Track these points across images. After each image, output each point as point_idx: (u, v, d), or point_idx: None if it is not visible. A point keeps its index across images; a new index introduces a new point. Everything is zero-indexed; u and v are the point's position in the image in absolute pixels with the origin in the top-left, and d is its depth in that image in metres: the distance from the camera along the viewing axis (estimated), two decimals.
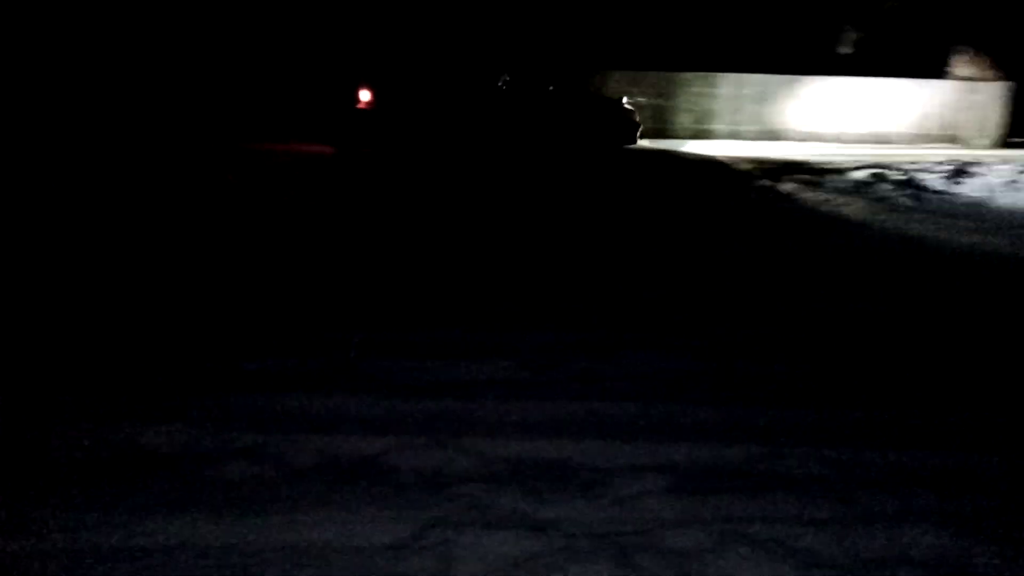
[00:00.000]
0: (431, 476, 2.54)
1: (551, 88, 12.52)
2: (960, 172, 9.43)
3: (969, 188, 8.80)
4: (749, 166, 11.38)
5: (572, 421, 2.94)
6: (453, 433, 2.84)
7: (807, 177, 9.92)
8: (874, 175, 9.56)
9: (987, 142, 15.07)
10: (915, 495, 2.49)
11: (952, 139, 15.36)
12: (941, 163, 10.38)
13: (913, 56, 15.48)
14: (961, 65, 15.63)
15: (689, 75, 15.20)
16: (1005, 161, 10.96)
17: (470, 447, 2.74)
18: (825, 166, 11.02)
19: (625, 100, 12.72)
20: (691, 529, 2.29)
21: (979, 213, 7.74)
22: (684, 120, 15.28)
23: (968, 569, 2.14)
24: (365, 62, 12.24)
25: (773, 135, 15.29)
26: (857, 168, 10.26)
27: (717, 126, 15.31)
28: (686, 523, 2.31)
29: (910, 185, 9.01)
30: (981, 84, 15.36)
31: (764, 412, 3.05)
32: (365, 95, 11.81)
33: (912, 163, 10.68)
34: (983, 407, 3.19)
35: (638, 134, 12.59)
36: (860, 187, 9.09)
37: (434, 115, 11.95)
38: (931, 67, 15.54)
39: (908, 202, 8.27)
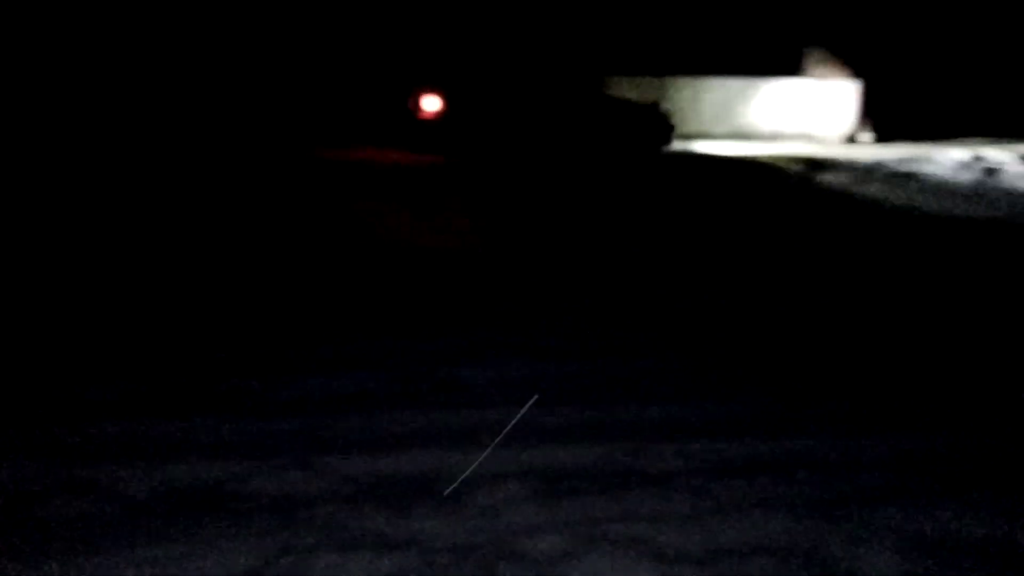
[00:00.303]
0: (284, 500, 2.41)
1: (592, 92, 12.87)
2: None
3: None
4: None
5: (435, 432, 2.87)
6: (311, 452, 2.71)
7: None
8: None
9: (837, 139, 16.06)
10: (771, 484, 2.56)
11: (807, 137, 16.27)
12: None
13: (769, 55, 16.33)
14: (814, 64, 16.57)
15: (680, 79, 15.49)
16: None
17: (328, 466, 2.62)
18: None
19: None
20: (552, 534, 2.26)
21: None
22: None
23: (820, 554, 2.21)
24: (428, 67, 11.92)
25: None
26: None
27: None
28: (548, 528, 2.28)
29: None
30: (834, 82, 16.33)
31: (627, 409, 3.08)
32: (435, 102, 11.36)
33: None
34: (855, 393, 3.35)
35: (673, 136, 12.81)
36: None
37: (501, 121, 11.68)
38: (787, 66, 16.42)
39: None
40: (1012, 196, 9.04)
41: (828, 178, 10.13)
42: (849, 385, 3.45)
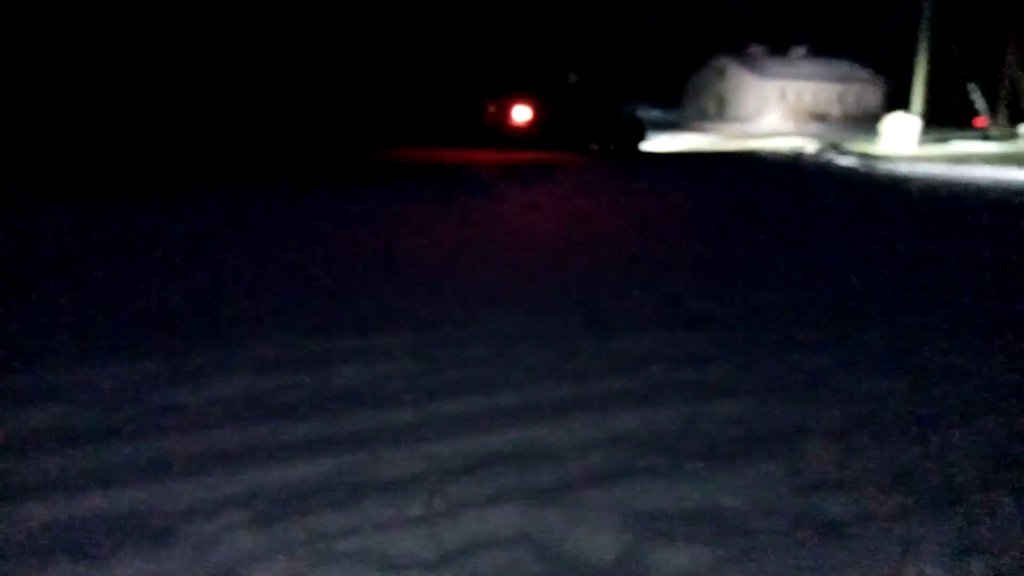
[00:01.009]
0: None
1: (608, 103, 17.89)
2: None
3: None
4: None
5: (143, 464, 2.59)
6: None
7: None
8: None
9: None
10: (501, 476, 2.60)
11: None
12: None
13: None
14: None
15: None
16: None
17: (11, 514, 2.27)
18: None
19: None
20: (278, 559, 2.11)
21: None
22: None
23: (550, 542, 2.26)
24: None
25: None
26: None
27: None
28: (272, 553, 2.13)
29: None
30: None
31: (358, 418, 2.99)
32: (525, 112, 16.59)
33: None
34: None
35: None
36: None
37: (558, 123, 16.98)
38: None
39: None
40: None
41: None
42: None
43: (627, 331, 4.16)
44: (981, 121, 31.38)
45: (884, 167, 16.24)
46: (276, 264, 5.56)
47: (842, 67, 44.42)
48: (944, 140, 24.03)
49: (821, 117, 39.98)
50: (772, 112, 39.24)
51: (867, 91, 43.50)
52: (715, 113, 42.75)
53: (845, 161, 17.62)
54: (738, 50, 44.65)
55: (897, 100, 39.27)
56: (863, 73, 44.26)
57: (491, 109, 16.61)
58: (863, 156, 17.95)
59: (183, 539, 2.17)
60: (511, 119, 16.46)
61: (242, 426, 2.87)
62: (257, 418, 2.96)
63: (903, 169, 15.81)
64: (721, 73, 44.10)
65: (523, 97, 16.50)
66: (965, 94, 30.83)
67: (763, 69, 42.40)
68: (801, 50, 45.50)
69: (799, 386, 3.44)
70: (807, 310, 4.69)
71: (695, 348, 3.92)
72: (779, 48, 45.82)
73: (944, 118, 30.10)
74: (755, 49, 44.99)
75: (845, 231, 7.89)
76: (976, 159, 17.83)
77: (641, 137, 17.80)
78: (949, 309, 4.78)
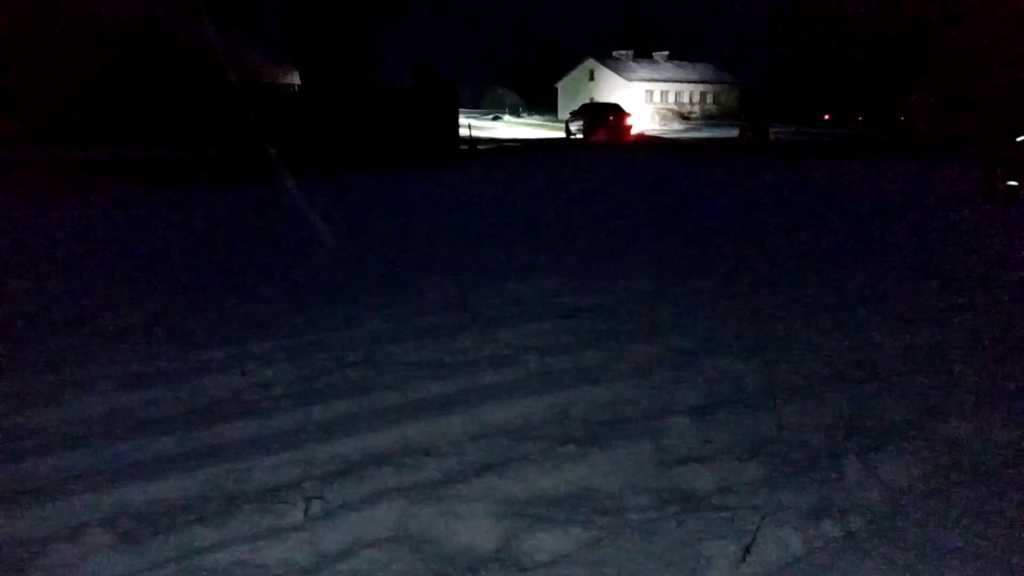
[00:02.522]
0: None
1: None
2: None
3: None
4: None
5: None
6: None
7: None
8: None
9: None
10: (380, 476, 2.59)
11: None
12: None
13: None
14: None
15: None
16: None
17: None
18: None
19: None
20: None
21: None
22: None
23: (429, 537, 2.28)
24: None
25: None
26: None
27: None
28: (138, 574, 2.05)
29: None
30: None
31: (233, 428, 2.92)
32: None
33: None
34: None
35: None
36: None
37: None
38: None
39: None
40: None
41: None
42: None
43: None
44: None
45: None
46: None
47: (703, 70, 46.62)
48: None
49: (685, 117, 41.74)
50: (640, 112, 40.62)
51: (725, 92, 45.80)
52: None
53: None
54: (607, 54, 46.09)
55: (753, 101, 41.68)
56: (722, 76, 46.61)
57: None
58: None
59: (42, 568, 2.05)
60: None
61: (107, 444, 2.74)
62: (124, 434, 2.82)
63: None
64: (591, 76, 45.35)
65: None
66: None
67: (630, 72, 43.88)
68: (664, 54, 47.51)
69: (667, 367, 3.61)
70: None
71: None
72: (644, 53, 47.66)
73: None
74: (621, 53, 46.60)
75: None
76: None
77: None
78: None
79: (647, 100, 43.92)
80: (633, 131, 28.53)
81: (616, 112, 28.25)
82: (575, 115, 29.15)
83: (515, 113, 47.17)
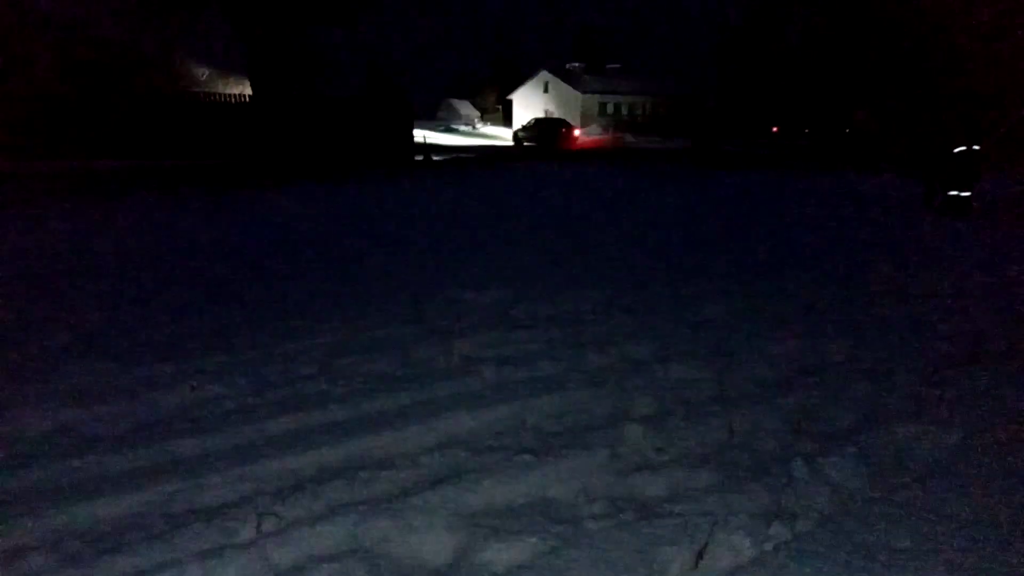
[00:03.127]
0: None
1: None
2: None
3: None
4: None
5: None
6: None
7: None
8: None
9: None
10: (333, 490, 2.56)
11: None
12: None
13: None
14: None
15: None
16: None
17: None
18: None
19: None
20: None
21: None
22: None
23: (384, 550, 2.26)
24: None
25: None
26: None
27: None
28: None
29: None
30: None
31: (188, 445, 2.86)
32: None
33: None
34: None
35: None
36: None
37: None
38: None
39: None
40: None
41: None
42: None
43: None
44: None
45: None
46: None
47: (656, 83, 47.33)
48: None
49: (636, 128, 42.27)
50: (593, 122, 40.99)
51: (677, 104, 46.56)
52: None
53: None
54: (560, 67, 46.52)
55: (704, 114, 42.42)
56: (674, 88, 47.35)
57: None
58: None
59: None
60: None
61: (51, 462, 2.66)
62: (69, 452, 2.75)
63: None
64: (545, 88, 45.69)
65: None
66: None
67: (584, 84, 44.33)
68: (616, 66, 48.14)
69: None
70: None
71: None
72: (597, 66, 48.22)
73: None
74: (575, 65, 47.08)
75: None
76: None
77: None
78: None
79: (600, 112, 44.41)
80: (579, 142, 31.16)
81: (565, 125, 32.00)
82: (524, 128, 32.51)
83: (470, 124, 47.27)
